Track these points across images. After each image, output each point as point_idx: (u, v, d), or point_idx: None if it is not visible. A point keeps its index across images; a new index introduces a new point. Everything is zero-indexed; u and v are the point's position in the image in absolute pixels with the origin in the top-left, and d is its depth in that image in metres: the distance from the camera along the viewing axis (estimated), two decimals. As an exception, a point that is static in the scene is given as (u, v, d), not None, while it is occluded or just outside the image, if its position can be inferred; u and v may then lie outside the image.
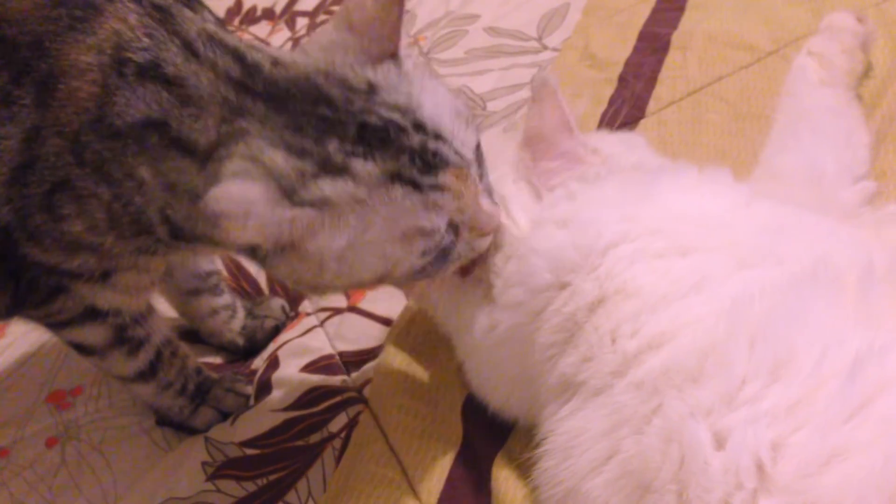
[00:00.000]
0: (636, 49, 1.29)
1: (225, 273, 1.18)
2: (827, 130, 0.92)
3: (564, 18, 1.47)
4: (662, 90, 1.19)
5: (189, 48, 0.73)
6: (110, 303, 0.89)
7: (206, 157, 0.69)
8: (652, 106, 1.18)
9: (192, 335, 1.13)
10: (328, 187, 0.66)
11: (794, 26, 1.16)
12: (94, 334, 0.92)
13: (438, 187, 0.69)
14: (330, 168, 0.67)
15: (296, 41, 1.78)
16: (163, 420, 1.05)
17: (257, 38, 1.86)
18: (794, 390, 0.57)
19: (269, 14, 1.95)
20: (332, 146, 0.67)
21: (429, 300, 0.90)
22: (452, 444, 0.86)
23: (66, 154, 0.74)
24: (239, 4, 2.04)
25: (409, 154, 0.68)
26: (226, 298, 1.12)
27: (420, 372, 0.94)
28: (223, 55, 0.72)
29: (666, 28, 1.29)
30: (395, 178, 0.68)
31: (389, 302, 1.03)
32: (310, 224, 0.66)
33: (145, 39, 0.72)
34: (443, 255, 0.73)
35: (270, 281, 1.21)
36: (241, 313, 1.13)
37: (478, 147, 0.75)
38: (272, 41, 1.82)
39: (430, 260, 0.72)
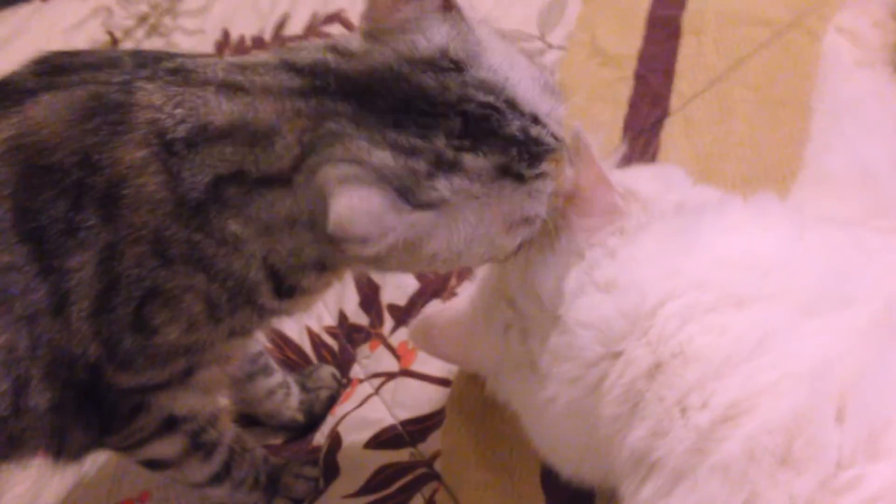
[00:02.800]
0: (646, 38, 1.23)
1: (269, 345, 1.15)
2: (872, 120, 0.86)
3: (564, 11, 1.40)
4: (682, 84, 1.13)
5: (228, 86, 0.70)
6: (189, 406, 0.87)
7: (294, 173, 0.67)
8: (675, 102, 1.12)
9: (248, 418, 1.12)
10: (444, 186, 0.65)
11: (809, -10, 1.10)
12: (170, 446, 0.89)
13: (541, 176, 0.68)
14: (442, 165, 0.65)
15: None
16: (238, 518, 1.04)
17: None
18: (898, 468, 0.54)
19: (258, 43, 1.90)
20: (441, 141, 0.65)
21: (479, 370, 0.88)
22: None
23: (148, 259, 0.72)
24: (226, 35, 1.99)
25: (515, 145, 0.66)
26: (277, 377, 1.09)
27: (488, 437, 0.91)
28: (269, 72, 0.70)
29: (673, 9, 1.23)
30: (505, 171, 0.66)
31: (442, 362, 1.01)
32: (428, 226, 0.65)
33: (178, 111, 0.70)
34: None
35: (316, 347, 1.19)
36: (294, 388, 1.11)
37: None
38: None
39: (535, 229, 0.71)
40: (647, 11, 1.26)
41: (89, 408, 0.81)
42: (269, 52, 0.74)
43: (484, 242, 0.69)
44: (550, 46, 1.37)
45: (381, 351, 1.10)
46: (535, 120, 0.68)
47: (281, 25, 1.91)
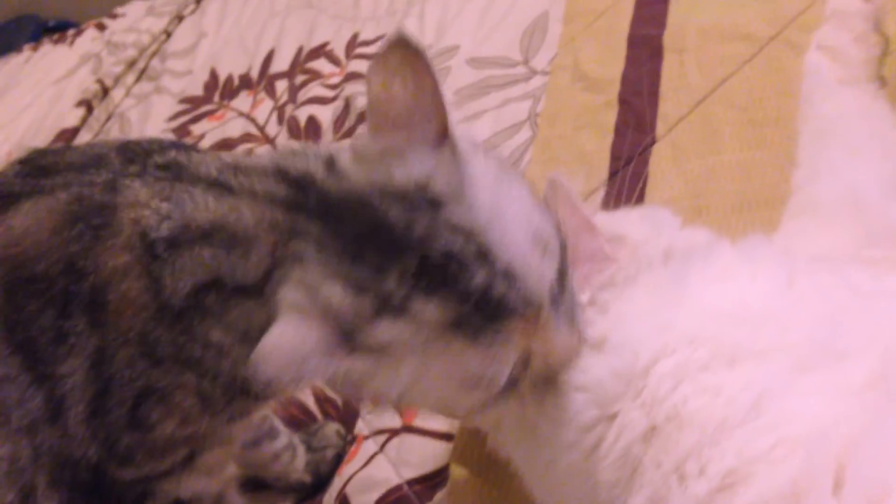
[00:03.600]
0: (629, 59, 1.21)
1: (273, 404, 1.15)
2: (858, 142, 0.84)
3: (546, 32, 1.39)
4: (667, 107, 1.11)
5: (218, 185, 0.69)
6: (193, 489, 0.86)
7: (266, 285, 0.65)
8: (660, 127, 1.10)
9: (255, 481, 1.11)
10: (387, 331, 0.61)
11: (788, 1, 1.07)
12: None
13: (502, 337, 0.63)
14: (389, 308, 0.61)
15: (280, 109, 1.73)
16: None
17: (241, 112, 1.81)
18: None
19: (246, 82, 1.89)
20: (392, 281, 0.61)
21: (480, 426, 0.86)
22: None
23: (138, 361, 0.71)
24: (215, 77, 1.98)
25: (473, 299, 0.61)
26: (283, 439, 1.08)
27: (494, 496, 0.90)
28: (260, 178, 0.68)
29: (654, 28, 1.21)
30: (456, 325, 0.61)
31: (444, 416, 0.99)
32: (364, 372, 0.62)
33: (164, 205, 0.69)
34: (510, 384, 0.67)
35: (319, 402, 1.18)
36: (300, 450, 1.10)
37: (560, 273, 0.67)
38: (256, 115, 1.77)
39: (495, 395, 0.66)
40: (628, 31, 1.24)
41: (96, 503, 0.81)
42: (269, 154, 0.72)
43: (431, 394, 0.66)
44: (535, 72, 1.35)
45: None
46: (507, 276, 0.62)
47: (268, 61, 1.90)
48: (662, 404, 0.65)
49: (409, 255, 0.61)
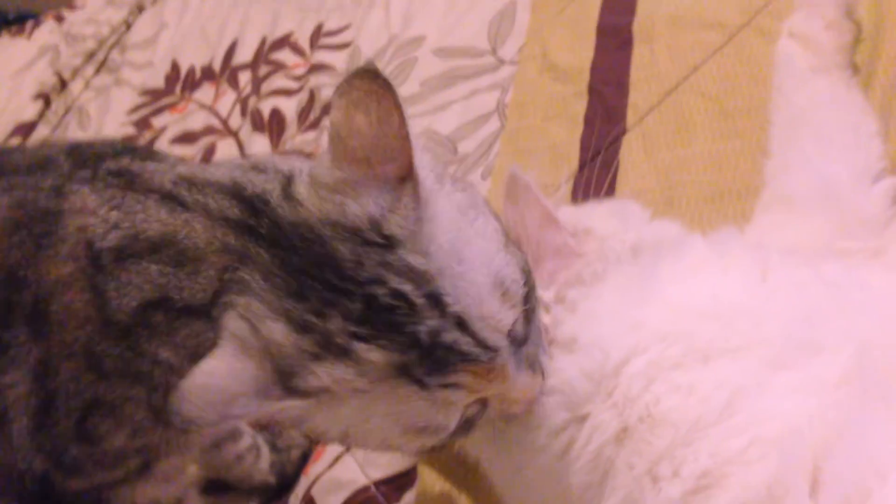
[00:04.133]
0: (598, 48, 1.18)
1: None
2: (831, 131, 0.82)
3: (514, 21, 1.36)
4: (637, 96, 1.09)
5: (171, 199, 0.65)
6: (151, 496, 0.82)
7: (212, 308, 0.62)
8: (631, 118, 1.08)
9: (218, 483, 1.08)
10: (327, 374, 0.57)
11: (759, -13, 1.05)
12: None
13: (450, 385, 0.59)
14: (331, 349, 0.58)
15: (243, 101, 1.69)
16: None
17: (203, 105, 1.76)
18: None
19: (208, 74, 1.85)
20: (336, 323, 0.58)
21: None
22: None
23: (84, 374, 0.68)
24: (176, 69, 1.93)
25: (420, 345, 0.58)
26: (246, 440, 1.05)
27: (463, 499, 0.87)
28: (215, 194, 0.64)
29: (624, 16, 1.18)
30: (402, 371, 0.58)
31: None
32: (301, 413, 0.59)
33: (114, 214, 0.65)
34: (466, 426, 0.64)
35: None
36: (265, 450, 1.07)
37: (526, 314, 0.63)
38: (219, 107, 1.72)
39: (444, 439, 0.63)
40: (597, 19, 1.22)
41: None
42: (228, 166, 0.68)
43: (373, 437, 0.62)
44: (503, 62, 1.32)
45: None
46: (459, 323, 0.59)
47: (230, 52, 1.86)
48: (634, 404, 0.64)
49: (355, 296, 0.58)
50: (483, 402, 0.64)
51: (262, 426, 1.08)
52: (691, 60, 1.06)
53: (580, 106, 1.13)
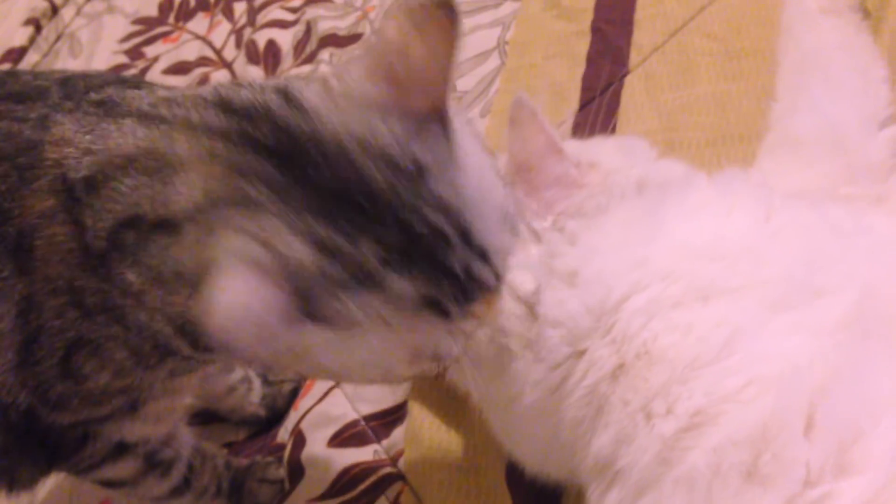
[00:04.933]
0: (603, -15, 1.16)
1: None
2: (839, 75, 0.81)
3: (518, -46, 1.33)
4: (642, 36, 1.07)
5: (148, 118, 0.62)
6: (138, 435, 0.82)
7: (188, 222, 0.57)
8: (634, 58, 1.06)
9: (208, 413, 1.08)
10: (355, 303, 0.53)
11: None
12: (124, 469, 0.85)
13: (469, 316, 0.58)
14: (361, 278, 0.54)
15: (238, 32, 1.65)
16: (204, 524, 1.00)
17: (197, 35, 1.73)
18: (868, 484, 0.50)
19: (203, 4, 1.80)
20: (367, 249, 0.54)
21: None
22: (504, 520, 0.80)
23: (69, 310, 0.66)
24: (170, -2, 1.89)
25: (450, 279, 0.56)
26: (238, 372, 1.05)
27: (452, 434, 0.88)
28: (197, 108, 0.60)
29: (630, -48, 1.15)
30: (430, 301, 0.56)
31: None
32: (315, 344, 0.55)
33: (86, 138, 0.63)
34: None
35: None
36: (256, 383, 1.07)
37: None
38: (213, 38, 1.69)
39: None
40: (603, -45, 1.18)
41: (34, 446, 0.77)
42: (212, 86, 0.64)
43: (379, 368, 0.60)
44: (504, -2, 1.29)
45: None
46: (483, 256, 0.58)
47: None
48: (632, 341, 0.63)
49: (389, 223, 0.54)
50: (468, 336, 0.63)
51: (267, 366, 1.08)
52: (698, 0, 1.04)
53: (583, 45, 1.11)
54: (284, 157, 0.55)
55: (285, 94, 0.58)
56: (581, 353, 0.66)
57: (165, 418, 0.83)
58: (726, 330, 0.60)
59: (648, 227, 0.68)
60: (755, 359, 0.58)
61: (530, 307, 0.70)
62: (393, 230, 0.54)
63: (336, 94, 0.58)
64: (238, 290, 0.49)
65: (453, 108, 0.59)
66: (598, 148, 0.79)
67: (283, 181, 0.55)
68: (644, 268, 0.65)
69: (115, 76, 0.78)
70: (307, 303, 0.52)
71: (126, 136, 0.61)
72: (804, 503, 0.51)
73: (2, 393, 0.70)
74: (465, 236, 0.57)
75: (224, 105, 0.59)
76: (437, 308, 0.56)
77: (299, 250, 0.53)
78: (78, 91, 0.69)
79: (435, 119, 0.57)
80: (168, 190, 0.58)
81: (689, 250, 0.65)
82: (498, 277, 0.59)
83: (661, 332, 0.62)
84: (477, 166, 0.59)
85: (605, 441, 0.64)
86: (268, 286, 0.50)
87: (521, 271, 0.70)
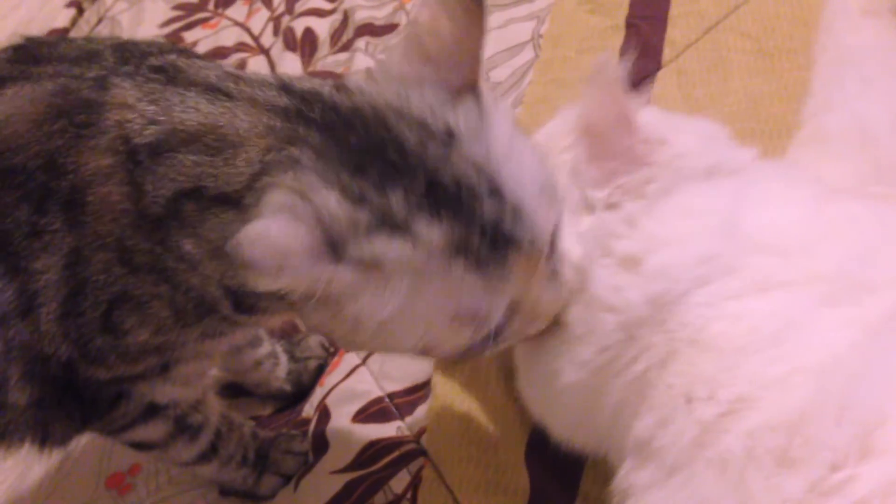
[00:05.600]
0: (639, -19, 1.17)
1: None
2: (876, 75, 0.81)
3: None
4: (676, 32, 1.08)
5: (214, 90, 0.66)
6: (169, 396, 0.86)
7: (247, 193, 0.62)
8: (667, 53, 1.07)
9: (235, 387, 1.10)
10: (383, 246, 0.57)
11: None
12: (154, 431, 0.88)
13: (505, 270, 0.61)
14: (389, 223, 0.58)
15: (276, 20, 1.68)
16: (227, 491, 1.03)
17: (236, 22, 1.75)
18: (889, 467, 0.51)
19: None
20: (396, 197, 0.58)
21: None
22: (521, 496, 0.82)
23: (115, 266, 0.69)
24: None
25: (480, 227, 0.59)
26: (266, 347, 1.07)
27: (475, 410, 0.89)
28: (262, 87, 0.66)
29: (667, -51, 1.16)
30: (460, 249, 0.59)
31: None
32: (352, 285, 0.58)
33: (151, 108, 0.66)
34: (495, 334, 0.65)
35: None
36: (283, 359, 1.09)
37: (556, 230, 0.66)
38: (251, 24, 1.72)
39: (476, 342, 0.65)
40: (640, -49, 1.20)
41: (70, 400, 0.80)
42: (273, 74, 0.71)
43: (418, 324, 0.62)
44: (541, -8, 1.31)
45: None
46: (516, 213, 0.61)
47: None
48: (685, 329, 0.64)
49: (418, 174, 0.59)
50: (513, 312, 0.65)
51: (286, 332, 1.11)
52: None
53: (616, 39, 1.13)
54: (330, 127, 0.62)
55: (338, 86, 0.65)
56: (634, 338, 0.66)
57: (194, 382, 0.87)
58: (778, 322, 0.61)
59: (722, 220, 0.67)
60: (801, 349, 0.59)
61: (581, 277, 0.70)
62: (421, 181, 0.59)
63: (377, 75, 0.65)
64: (269, 227, 0.55)
65: (487, 88, 0.64)
66: (673, 125, 0.77)
67: (326, 146, 0.61)
68: (710, 263, 0.65)
69: (173, 45, 0.81)
70: (336, 246, 0.57)
71: (189, 112, 0.65)
72: (828, 486, 0.52)
73: (44, 342, 0.73)
74: (496, 193, 0.60)
75: (286, 88, 0.66)
76: (467, 255, 0.59)
77: (329, 199, 0.57)
78: (135, 55, 0.72)
79: (468, 91, 0.62)
80: (229, 169, 0.63)
81: (751, 244, 0.65)
82: (533, 239, 0.62)
83: (714, 319, 0.63)
84: (509, 135, 0.63)
85: (647, 423, 0.64)
86: (297, 226, 0.56)
87: (569, 238, 0.70)
